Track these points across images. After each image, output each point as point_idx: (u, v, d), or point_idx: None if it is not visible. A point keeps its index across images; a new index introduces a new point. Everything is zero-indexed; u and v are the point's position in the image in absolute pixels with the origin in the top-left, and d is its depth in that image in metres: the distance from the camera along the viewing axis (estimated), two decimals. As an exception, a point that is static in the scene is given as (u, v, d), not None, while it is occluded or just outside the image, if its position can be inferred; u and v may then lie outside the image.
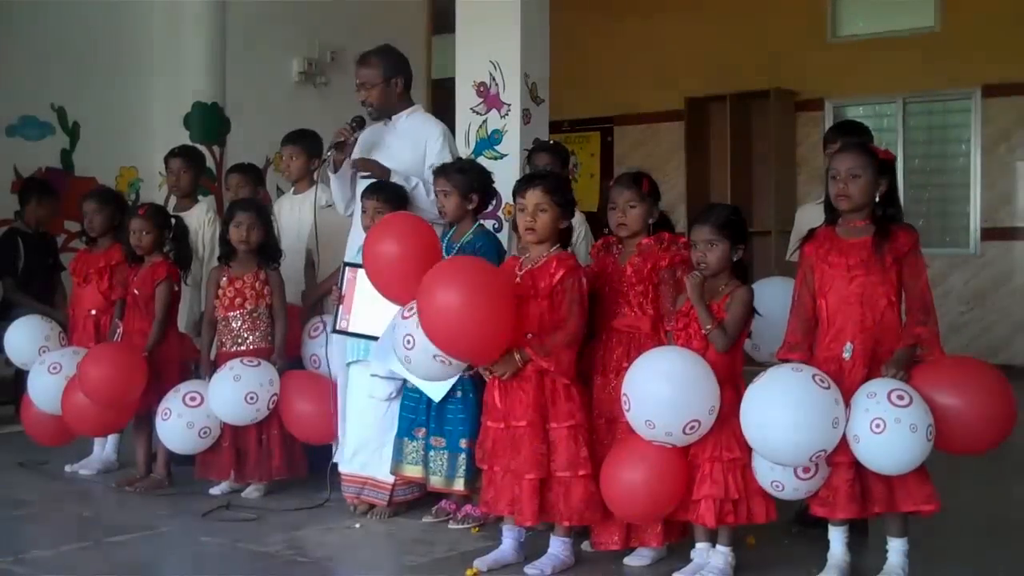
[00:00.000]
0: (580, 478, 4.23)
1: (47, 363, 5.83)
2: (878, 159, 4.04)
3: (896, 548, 4.00)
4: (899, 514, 3.96)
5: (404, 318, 4.36)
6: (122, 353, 5.64)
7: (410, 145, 5.33)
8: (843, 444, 3.85)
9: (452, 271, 4.25)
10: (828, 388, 3.83)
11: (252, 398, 5.36)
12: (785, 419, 3.79)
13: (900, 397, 3.75)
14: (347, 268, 5.17)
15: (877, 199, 4.04)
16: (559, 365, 4.22)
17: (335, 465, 5.42)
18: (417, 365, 4.36)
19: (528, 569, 4.24)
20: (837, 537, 4.05)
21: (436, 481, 4.90)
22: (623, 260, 4.45)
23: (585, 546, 4.51)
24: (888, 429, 3.71)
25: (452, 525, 4.94)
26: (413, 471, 4.98)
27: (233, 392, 5.36)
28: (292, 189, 6.44)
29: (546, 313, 4.27)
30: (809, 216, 5.27)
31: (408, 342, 4.29)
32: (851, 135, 5.05)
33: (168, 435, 5.52)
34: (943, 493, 3.96)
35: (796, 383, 3.84)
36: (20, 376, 7.16)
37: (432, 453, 4.89)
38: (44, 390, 5.82)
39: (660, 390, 3.97)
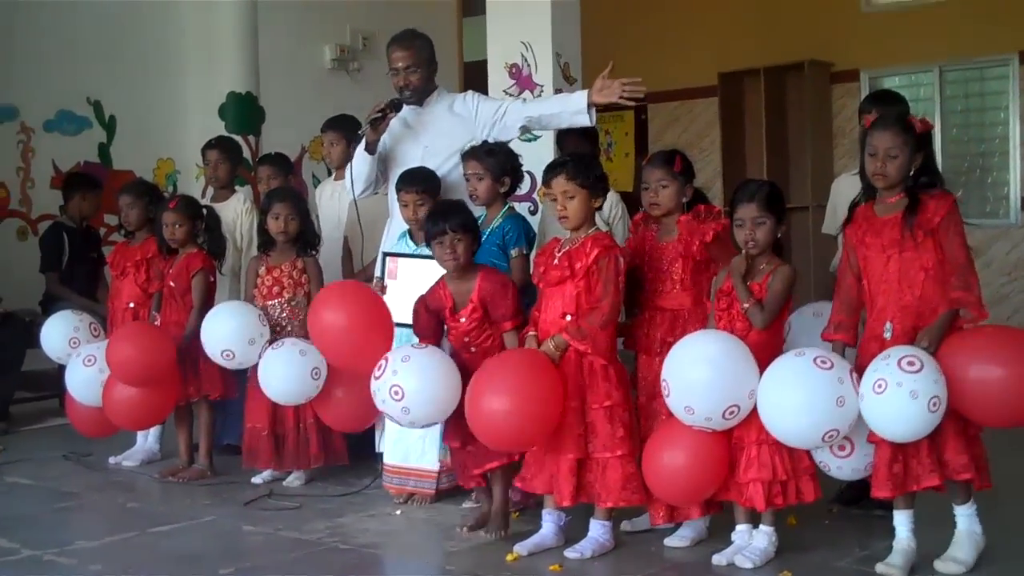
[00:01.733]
0: (617, 458, 4.24)
1: (82, 356, 5.88)
2: (916, 134, 3.98)
3: (961, 514, 3.99)
4: (958, 482, 3.92)
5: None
6: (145, 331, 5.68)
7: (450, 117, 5.33)
8: None
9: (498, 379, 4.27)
10: (830, 368, 3.85)
11: (316, 373, 5.31)
12: (788, 403, 3.87)
13: (911, 363, 3.69)
14: (387, 258, 5.17)
15: (912, 172, 4.00)
16: (596, 347, 4.22)
17: (375, 452, 5.46)
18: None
19: (568, 552, 4.25)
20: (903, 521, 3.98)
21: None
22: (661, 238, 4.47)
23: (625, 525, 4.54)
24: (888, 390, 3.68)
25: None
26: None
27: (300, 367, 5.28)
28: (333, 175, 6.45)
29: (583, 294, 4.27)
30: (844, 187, 5.23)
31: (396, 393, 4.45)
32: (888, 105, 4.96)
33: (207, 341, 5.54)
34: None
35: (795, 368, 3.90)
36: (63, 370, 7.25)
37: None
38: (81, 383, 5.87)
39: (699, 376, 3.97)
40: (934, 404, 3.69)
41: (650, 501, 4.32)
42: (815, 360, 3.87)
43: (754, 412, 4.01)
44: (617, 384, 4.29)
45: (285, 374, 5.33)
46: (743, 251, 4.18)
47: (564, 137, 5.92)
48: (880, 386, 3.70)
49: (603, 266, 4.25)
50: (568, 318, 4.26)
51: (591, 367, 4.26)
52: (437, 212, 4.67)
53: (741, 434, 4.07)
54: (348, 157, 6.03)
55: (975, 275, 3.92)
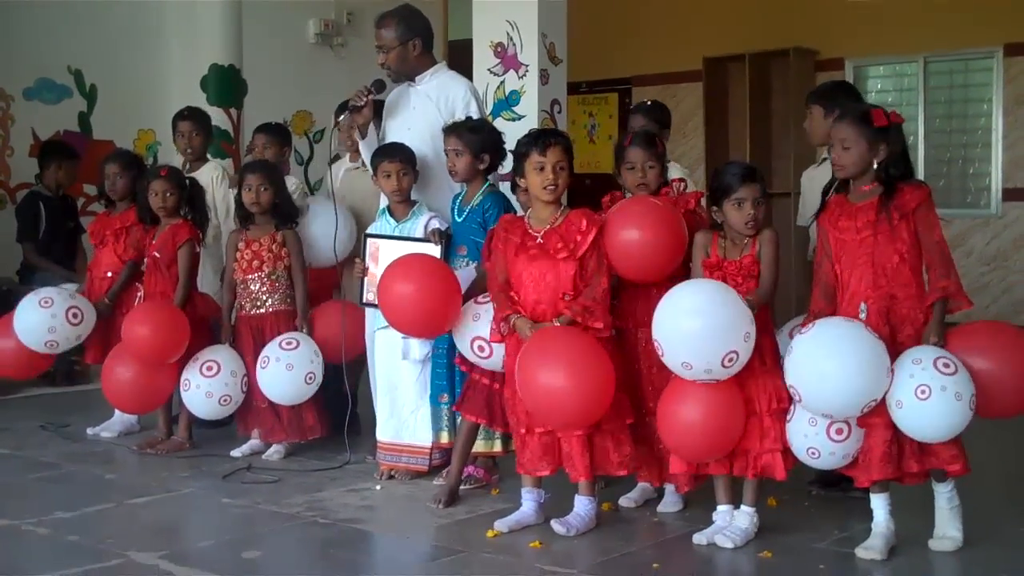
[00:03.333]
0: (628, 426, 4.28)
1: (39, 297, 5.80)
2: (872, 127, 4.00)
3: (942, 491, 4.04)
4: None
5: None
6: (163, 310, 5.62)
7: (435, 106, 5.27)
8: (879, 405, 3.85)
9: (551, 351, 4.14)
10: (879, 339, 3.86)
11: (311, 378, 5.41)
12: (848, 366, 3.80)
13: (946, 365, 3.77)
14: (368, 240, 5.14)
15: (876, 164, 4.00)
16: (605, 322, 4.22)
17: (352, 426, 5.46)
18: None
19: (555, 524, 4.25)
20: (880, 504, 4.02)
21: (478, 446, 4.89)
22: None
23: (623, 501, 4.64)
24: (933, 396, 3.73)
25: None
26: (444, 437, 5.05)
27: (292, 380, 5.39)
28: (348, 156, 6.28)
29: (578, 272, 4.26)
30: (811, 179, 5.24)
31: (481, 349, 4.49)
32: (839, 100, 4.85)
33: (192, 404, 5.59)
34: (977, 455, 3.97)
35: (854, 332, 3.86)
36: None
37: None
38: (32, 324, 5.77)
39: (690, 327, 3.92)
40: (972, 403, 3.77)
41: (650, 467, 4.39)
42: (866, 328, 3.87)
43: (767, 378, 4.03)
44: (617, 355, 4.31)
45: (282, 387, 5.43)
46: (738, 230, 4.20)
47: (632, 117, 5.78)
48: (924, 392, 3.74)
49: (599, 244, 4.27)
50: (567, 298, 4.24)
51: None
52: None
53: (752, 400, 4.06)
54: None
55: (954, 264, 3.99)
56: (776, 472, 4.07)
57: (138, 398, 5.71)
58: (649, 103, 6.01)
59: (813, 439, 3.99)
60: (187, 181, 5.92)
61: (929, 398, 3.73)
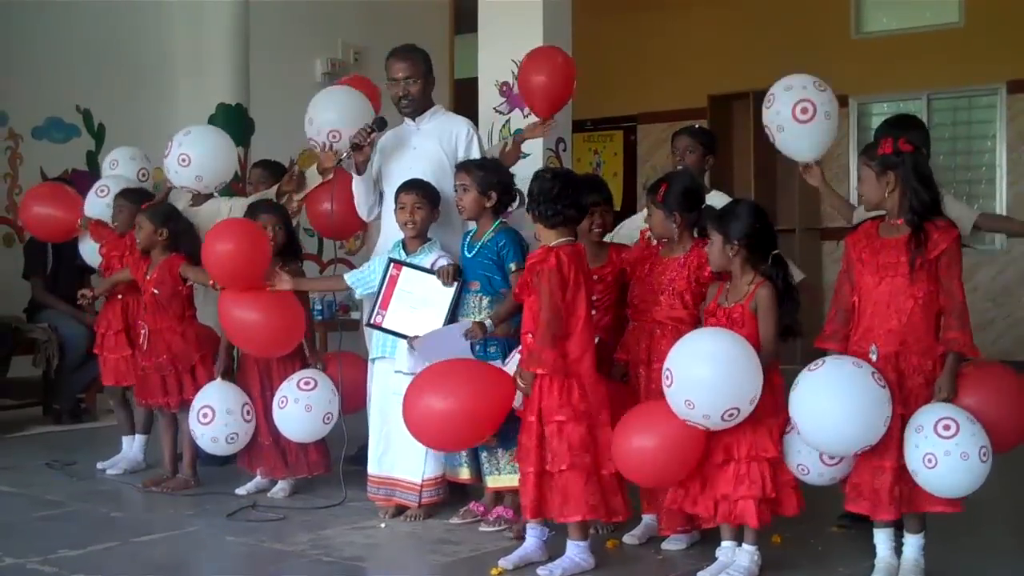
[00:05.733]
0: (570, 471, 4.24)
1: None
2: (876, 157, 4.01)
3: (912, 543, 3.99)
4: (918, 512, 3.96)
5: None
6: (246, 227, 5.52)
7: (437, 143, 5.32)
8: (889, 448, 3.85)
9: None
10: (884, 387, 3.84)
11: (328, 418, 5.39)
12: (843, 413, 3.81)
13: (947, 427, 3.72)
14: (392, 264, 5.13)
15: (887, 194, 3.99)
16: (553, 366, 4.22)
17: (358, 463, 5.46)
18: None
19: (539, 570, 4.21)
20: (883, 539, 4.02)
21: (500, 481, 4.89)
22: (665, 253, 4.57)
23: (627, 539, 4.63)
24: (940, 462, 3.71)
25: (483, 528, 4.90)
26: (462, 473, 5.05)
27: (311, 421, 5.36)
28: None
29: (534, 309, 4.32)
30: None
31: None
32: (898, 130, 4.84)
33: (204, 447, 5.59)
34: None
35: (857, 378, 3.83)
36: (48, 378, 7.23)
37: (486, 454, 4.90)
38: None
39: (705, 371, 3.93)
40: (983, 454, 3.73)
41: (609, 516, 4.31)
42: (872, 375, 3.84)
43: (744, 424, 4.00)
44: (624, 389, 4.35)
45: (300, 426, 5.40)
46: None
47: (676, 139, 5.69)
48: (931, 461, 3.72)
49: (538, 280, 4.27)
50: (530, 338, 4.28)
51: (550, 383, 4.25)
52: (589, 185, 4.76)
53: (731, 446, 4.05)
54: None
55: (968, 314, 3.93)
56: (748, 519, 4.04)
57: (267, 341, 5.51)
58: (697, 126, 5.86)
59: (805, 457, 4.04)
60: (173, 216, 5.87)
61: (936, 466, 3.71)
